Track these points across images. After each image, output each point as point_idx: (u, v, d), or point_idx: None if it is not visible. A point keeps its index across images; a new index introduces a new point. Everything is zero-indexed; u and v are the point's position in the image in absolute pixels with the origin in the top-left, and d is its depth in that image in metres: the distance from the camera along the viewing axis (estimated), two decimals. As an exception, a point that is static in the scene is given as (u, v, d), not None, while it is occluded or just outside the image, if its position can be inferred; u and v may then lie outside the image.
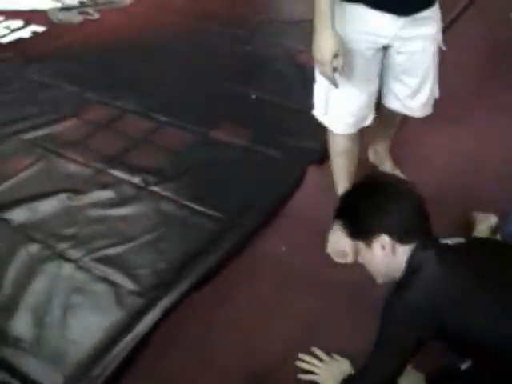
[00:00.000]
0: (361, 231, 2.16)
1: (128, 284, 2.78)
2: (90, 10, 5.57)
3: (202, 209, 3.17)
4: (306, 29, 3.75)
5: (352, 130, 2.89)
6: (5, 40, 5.17)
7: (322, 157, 3.32)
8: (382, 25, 2.59)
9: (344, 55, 2.47)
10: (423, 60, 2.78)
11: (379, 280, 2.24)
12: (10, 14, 5.69)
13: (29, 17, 5.59)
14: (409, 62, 2.77)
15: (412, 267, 2.08)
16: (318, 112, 2.87)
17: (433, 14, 2.71)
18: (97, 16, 5.46)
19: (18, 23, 5.46)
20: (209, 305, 2.69)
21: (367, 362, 2.15)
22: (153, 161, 3.56)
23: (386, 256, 2.11)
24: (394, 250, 2.09)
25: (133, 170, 3.48)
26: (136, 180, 3.40)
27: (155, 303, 2.66)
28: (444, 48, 2.79)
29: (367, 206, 2.15)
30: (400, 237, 2.09)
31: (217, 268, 2.85)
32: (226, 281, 2.80)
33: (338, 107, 2.80)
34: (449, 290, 2.01)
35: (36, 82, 4.44)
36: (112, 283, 2.78)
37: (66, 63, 4.70)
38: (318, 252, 2.91)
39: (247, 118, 3.98)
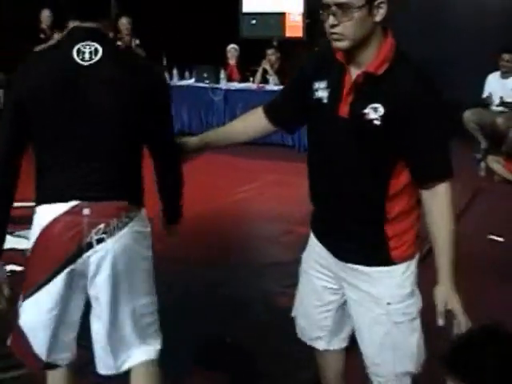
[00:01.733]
0: None
1: None
2: None
3: None
4: (282, 270, 4.91)
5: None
6: (-18, 275, 5.53)
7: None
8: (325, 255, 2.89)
9: None
10: (363, 319, 2.82)
11: None
12: None
13: (7, 255, 5.76)
14: (351, 310, 2.89)
15: None
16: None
17: (379, 274, 2.72)
18: None
19: (-4, 261, 5.76)
20: None
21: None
22: None
23: None
24: None
25: None
26: None
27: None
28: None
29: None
30: None
31: None
32: None
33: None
34: None
35: None
36: None
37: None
38: None
39: (221, 362, 4.26)
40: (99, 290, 2.80)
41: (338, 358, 3.12)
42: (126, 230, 2.75)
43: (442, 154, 2.70)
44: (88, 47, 2.66)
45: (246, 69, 11.43)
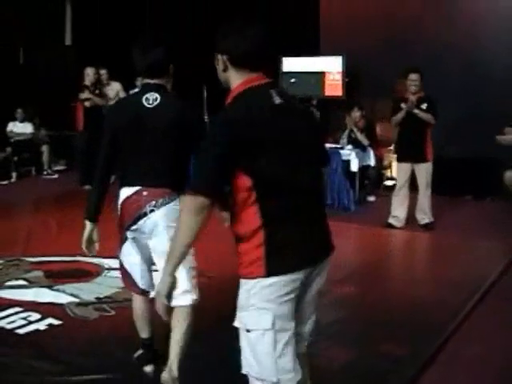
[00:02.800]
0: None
1: None
2: (106, 307, 5.96)
3: None
4: (320, 331, 4.93)
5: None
6: (21, 331, 5.54)
7: None
8: None
9: None
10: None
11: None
12: (29, 305, 6.02)
13: (46, 309, 5.93)
14: None
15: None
16: None
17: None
18: (113, 312, 5.86)
19: (36, 315, 5.81)
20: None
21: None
22: None
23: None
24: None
25: None
26: None
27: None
28: None
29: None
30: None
31: None
32: None
33: None
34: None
35: None
36: None
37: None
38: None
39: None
40: (155, 242, 4.40)
41: None
42: (167, 206, 4.30)
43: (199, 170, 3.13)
44: (152, 96, 4.34)
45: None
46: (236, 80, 3.20)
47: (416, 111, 8.64)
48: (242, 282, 3.14)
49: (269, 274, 3.05)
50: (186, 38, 12.88)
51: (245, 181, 3.03)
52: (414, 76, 8.78)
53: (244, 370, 3.22)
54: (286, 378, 3.15)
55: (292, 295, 3.14)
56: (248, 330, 3.13)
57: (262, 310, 3.08)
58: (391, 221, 9.04)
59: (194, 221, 3.06)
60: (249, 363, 3.18)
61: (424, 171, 8.88)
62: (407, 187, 9.03)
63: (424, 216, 8.98)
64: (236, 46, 3.16)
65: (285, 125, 3.14)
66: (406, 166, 8.92)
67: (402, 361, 5.10)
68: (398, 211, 9.01)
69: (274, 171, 3.05)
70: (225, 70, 3.23)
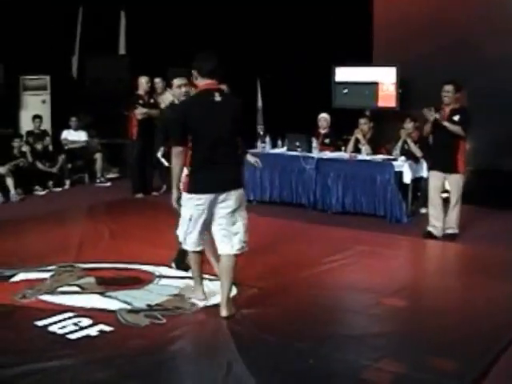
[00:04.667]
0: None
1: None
2: (157, 314, 5.99)
3: None
4: (368, 343, 5.25)
5: None
6: (72, 336, 5.60)
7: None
8: None
9: None
10: None
11: None
12: (80, 311, 6.10)
13: (97, 315, 5.99)
14: None
15: None
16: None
17: None
18: (164, 320, 5.89)
19: (87, 321, 5.87)
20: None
21: None
22: None
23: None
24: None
25: None
26: None
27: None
28: None
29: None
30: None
31: None
32: None
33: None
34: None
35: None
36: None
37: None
38: None
39: None
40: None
41: None
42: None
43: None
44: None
45: (339, 138, 11.46)
46: (199, 84, 6.00)
47: (446, 123, 8.59)
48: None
49: (189, 192, 5.91)
50: (239, 33, 12.98)
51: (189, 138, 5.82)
52: (447, 87, 8.74)
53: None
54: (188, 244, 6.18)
55: (202, 206, 5.90)
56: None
57: (186, 210, 5.99)
58: (430, 229, 9.01)
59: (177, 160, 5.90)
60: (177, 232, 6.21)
61: (454, 182, 8.88)
62: (440, 195, 9.03)
63: (448, 226, 8.94)
64: (201, 66, 5.94)
65: (215, 110, 5.87)
66: (438, 175, 8.90)
67: (451, 376, 5.01)
68: (435, 220, 8.97)
69: (201, 135, 5.81)
70: (196, 78, 5.99)
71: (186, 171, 5.98)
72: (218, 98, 5.88)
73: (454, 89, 8.70)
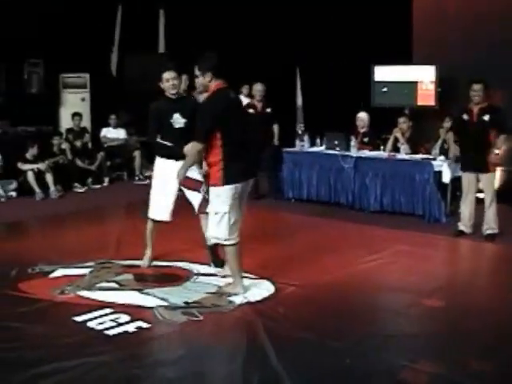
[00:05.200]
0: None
1: None
2: (194, 311, 6.00)
3: None
4: (406, 343, 5.30)
5: None
6: (110, 332, 5.63)
7: None
8: None
9: None
10: None
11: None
12: (118, 307, 6.14)
13: (135, 312, 6.02)
14: None
15: None
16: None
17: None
18: (201, 317, 5.88)
19: (125, 317, 5.90)
20: None
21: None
22: None
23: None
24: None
25: None
26: None
27: None
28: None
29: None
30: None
31: None
32: None
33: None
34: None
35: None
36: None
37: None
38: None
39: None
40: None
41: None
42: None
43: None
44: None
45: (377, 137, 11.40)
46: (212, 85, 6.28)
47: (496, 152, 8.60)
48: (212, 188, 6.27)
49: (227, 183, 6.14)
50: (278, 32, 12.97)
51: (217, 135, 6.13)
52: (476, 86, 8.62)
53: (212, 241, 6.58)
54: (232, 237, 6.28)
55: (237, 195, 6.21)
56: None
57: (221, 204, 6.18)
58: (461, 228, 8.99)
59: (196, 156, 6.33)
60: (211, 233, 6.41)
61: (487, 182, 8.80)
62: (473, 195, 8.95)
63: (487, 226, 8.85)
64: (216, 68, 6.28)
65: (234, 106, 6.40)
66: (470, 175, 8.82)
67: (488, 377, 4.96)
68: (466, 219, 8.95)
69: (229, 129, 6.18)
70: (210, 80, 6.28)
71: (205, 167, 6.63)
72: (232, 95, 6.48)
73: (483, 88, 8.60)
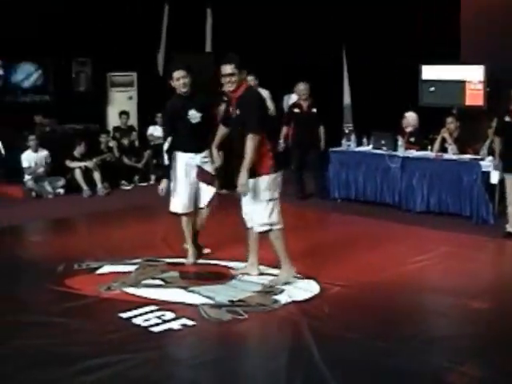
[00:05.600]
0: None
1: None
2: (239, 310, 6.01)
3: None
4: (452, 345, 5.28)
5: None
6: (155, 329, 5.67)
7: None
8: None
9: None
10: None
11: None
12: (164, 305, 6.19)
13: (180, 309, 6.05)
14: None
15: None
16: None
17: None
18: (245, 316, 5.89)
19: (170, 315, 5.94)
20: None
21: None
22: None
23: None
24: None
25: None
26: None
27: None
28: None
29: None
30: None
31: None
32: None
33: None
34: None
35: None
36: None
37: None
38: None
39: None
40: None
41: None
42: None
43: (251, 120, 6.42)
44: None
45: (425, 137, 11.30)
46: (245, 83, 6.74)
47: None
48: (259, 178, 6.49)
49: (276, 171, 6.55)
50: (324, 31, 12.95)
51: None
52: None
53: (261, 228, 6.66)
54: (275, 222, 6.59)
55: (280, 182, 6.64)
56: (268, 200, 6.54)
57: (270, 192, 6.49)
58: (510, 229, 8.86)
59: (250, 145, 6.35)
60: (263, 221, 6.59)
61: None
62: None
63: None
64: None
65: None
66: None
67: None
68: None
69: (269, 122, 6.86)
70: (245, 77, 6.76)
71: (218, 161, 7.22)
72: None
73: None
